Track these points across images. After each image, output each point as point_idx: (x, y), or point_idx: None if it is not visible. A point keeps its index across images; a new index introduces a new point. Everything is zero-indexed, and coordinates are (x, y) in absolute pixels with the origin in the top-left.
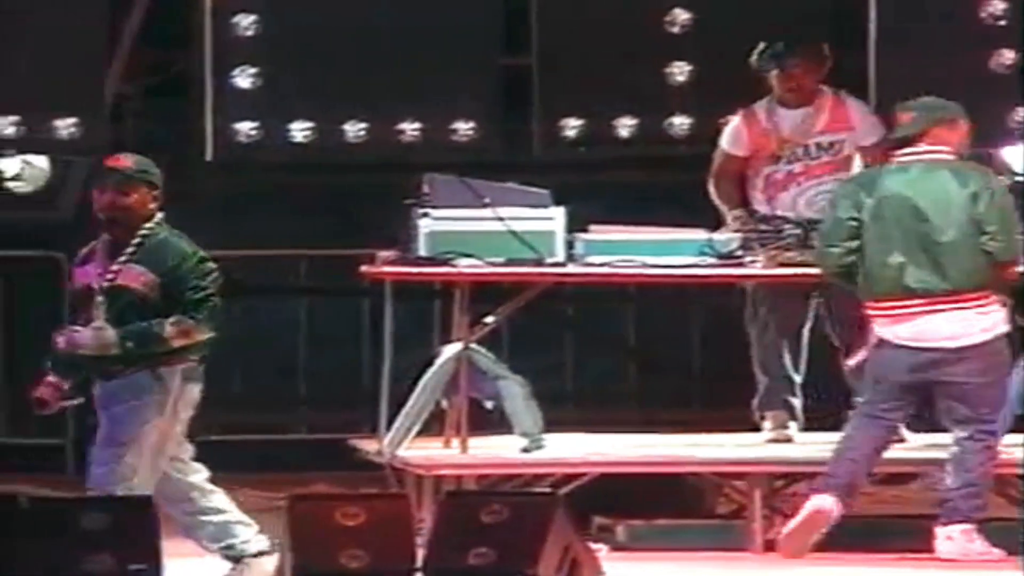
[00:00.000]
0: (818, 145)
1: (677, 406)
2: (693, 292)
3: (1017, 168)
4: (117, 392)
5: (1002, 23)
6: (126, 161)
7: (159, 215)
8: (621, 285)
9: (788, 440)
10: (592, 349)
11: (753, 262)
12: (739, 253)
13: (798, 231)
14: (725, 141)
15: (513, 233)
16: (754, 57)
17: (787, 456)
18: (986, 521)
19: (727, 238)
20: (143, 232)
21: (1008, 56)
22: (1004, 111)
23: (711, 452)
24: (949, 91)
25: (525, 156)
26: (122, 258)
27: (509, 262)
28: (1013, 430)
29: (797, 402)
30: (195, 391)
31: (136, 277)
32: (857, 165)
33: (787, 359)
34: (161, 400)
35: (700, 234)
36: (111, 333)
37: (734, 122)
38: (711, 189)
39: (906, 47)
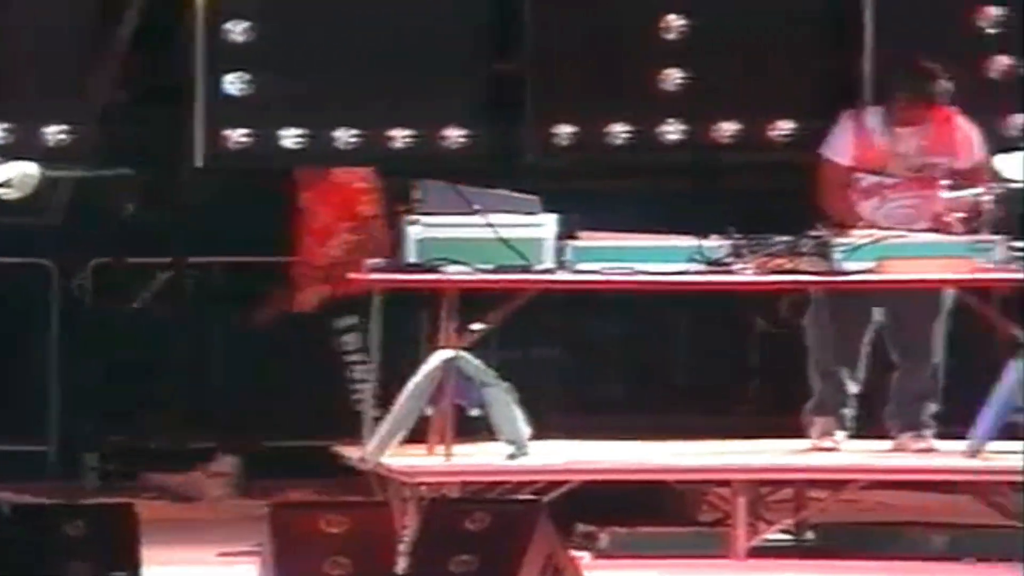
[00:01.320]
0: (916, 167)
1: (661, 413)
2: (683, 299)
3: (1010, 175)
4: None
5: (998, 30)
6: None
7: None
8: (611, 291)
9: (834, 448)
10: (579, 356)
11: (743, 269)
12: (728, 260)
13: (787, 239)
14: (829, 149)
15: (502, 240)
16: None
17: (773, 463)
18: (974, 528)
19: (717, 245)
20: None
21: (1003, 62)
22: (999, 118)
23: (694, 460)
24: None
25: (516, 163)
26: None
27: (498, 269)
28: (1001, 437)
29: (849, 411)
30: None
31: None
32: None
33: (845, 368)
34: None
35: (690, 241)
36: None
37: (840, 129)
38: (821, 202)
39: (902, 53)
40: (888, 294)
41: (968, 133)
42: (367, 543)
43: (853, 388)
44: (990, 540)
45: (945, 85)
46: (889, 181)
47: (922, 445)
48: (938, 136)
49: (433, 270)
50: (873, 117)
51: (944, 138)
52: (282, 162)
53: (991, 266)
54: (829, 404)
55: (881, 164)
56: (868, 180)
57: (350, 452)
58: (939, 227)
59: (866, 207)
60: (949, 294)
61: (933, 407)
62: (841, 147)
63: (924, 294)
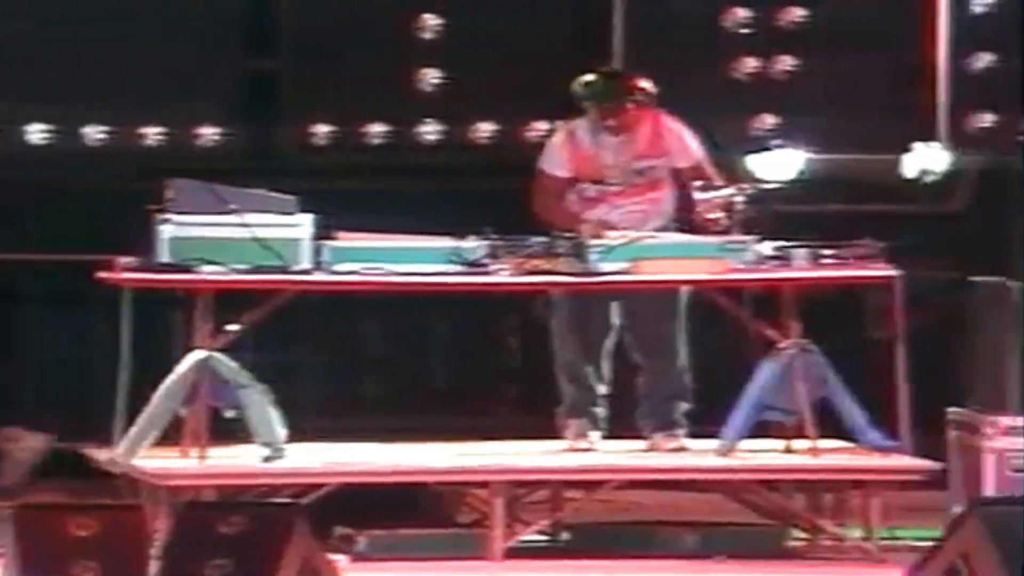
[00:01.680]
0: (636, 171)
1: (421, 415)
2: (440, 300)
3: (763, 176)
4: None
5: (746, 30)
6: None
7: None
8: (368, 293)
9: (590, 449)
10: (337, 358)
11: (500, 270)
12: (486, 262)
13: (544, 239)
14: (547, 162)
15: (258, 240)
16: (576, 86)
17: (530, 465)
18: (726, 526)
19: (475, 246)
20: None
21: (751, 64)
22: (748, 118)
23: (452, 461)
24: (695, 99)
25: (272, 161)
26: None
27: (254, 269)
28: (753, 435)
29: (601, 411)
30: None
31: None
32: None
33: (591, 368)
34: None
35: (447, 242)
36: None
37: (554, 140)
38: (539, 211)
39: (651, 57)
40: (624, 296)
41: (679, 133)
42: (117, 547)
43: (601, 389)
44: (741, 538)
45: (645, 89)
46: (613, 188)
47: (674, 445)
48: (649, 140)
49: (187, 270)
50: (581, 128)
51: (655, 141)
52: (29, 159)
53: (743, 266)
54: (580, 405)
55: (598, 173)
56: (591, 189)
57: (100, 454)
58: (695, 228)
59: (595, 214)
60: (686, 292)
61: (684, 406)
62: (557, 160)
63: (660, 294)
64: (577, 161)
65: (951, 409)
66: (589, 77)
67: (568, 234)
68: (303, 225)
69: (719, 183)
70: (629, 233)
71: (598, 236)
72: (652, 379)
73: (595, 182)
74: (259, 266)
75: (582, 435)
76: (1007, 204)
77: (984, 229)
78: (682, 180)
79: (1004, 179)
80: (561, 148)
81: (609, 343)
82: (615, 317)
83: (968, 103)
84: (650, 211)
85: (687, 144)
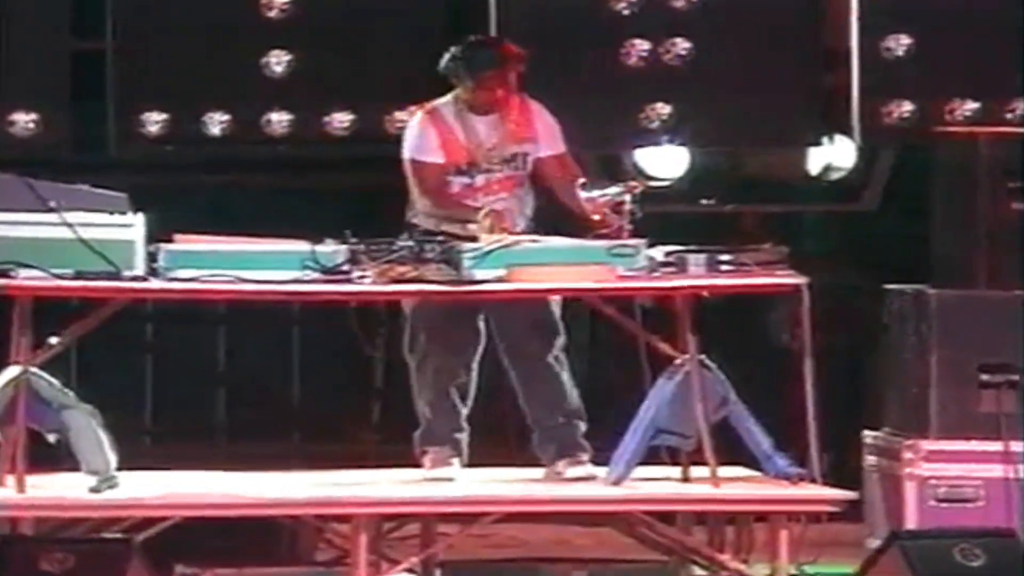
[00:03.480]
0: (503, 158)
1: (273, 440)
2: (296, 312)
3: (653, 172)
4: None
5: (634, 11)
6: None
7: None
8: (211, 303)
9: (449, 479)
10: (175, 376)
11: (362, 278)
12: (346, 268)
13: (411, 243)
14: (417, 150)
15: (83, 241)
16: (444, 62)
17: (397, 496)
18: (616, 563)
19: (333, 250)
20: None
21: (642, 47)
22: (636, 110)
23: (310, 491)
24: (578, 90)
25: (100, 154)
26: None
27: (79, 275)
28: (646, 462)
29: (463, 436)
30: None
31: None
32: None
33: (453, 389)
34: None
35: (303, 246)
36: None
37: (417, 125)
38: (431, 206)
39: (530, 45)
40: (496, 307)
41: (546, 117)
42: None
43: (464, 411)
44: (632, 574)
45: (519, 68)
46: (479, 180)
47: (580, 472)
48: (518, 123)
49: (2, 275)
50: (446, 108)
51: (523, 125)
52: None
53: (634, 273)
54: (440, 430)
55: (469, 158)
56: (457, 183)
57: None
58: (578, 230)
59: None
60: (556, 302)
61: (583, 427)
62: (428, 144)
63: (536, 306)
64: (447, 146)
65: (866, 432)
66: (469, 41)
67: (455, 228)
68: (135, 225)
69: (583, 178)
70: (506, 237)
71: (496, 230)
72: (537, 403)
73: (460, 171)
74: (85, 271)
75: (441, 464)
76: (923, 203)
77: (898, 231)
78: (541, 172)
79: (920, 175)
80: (427, 131)
81: (477, 357)
82: (481, 325)
83: (881, 90)
84: (515, 209)
85: (554, 131)
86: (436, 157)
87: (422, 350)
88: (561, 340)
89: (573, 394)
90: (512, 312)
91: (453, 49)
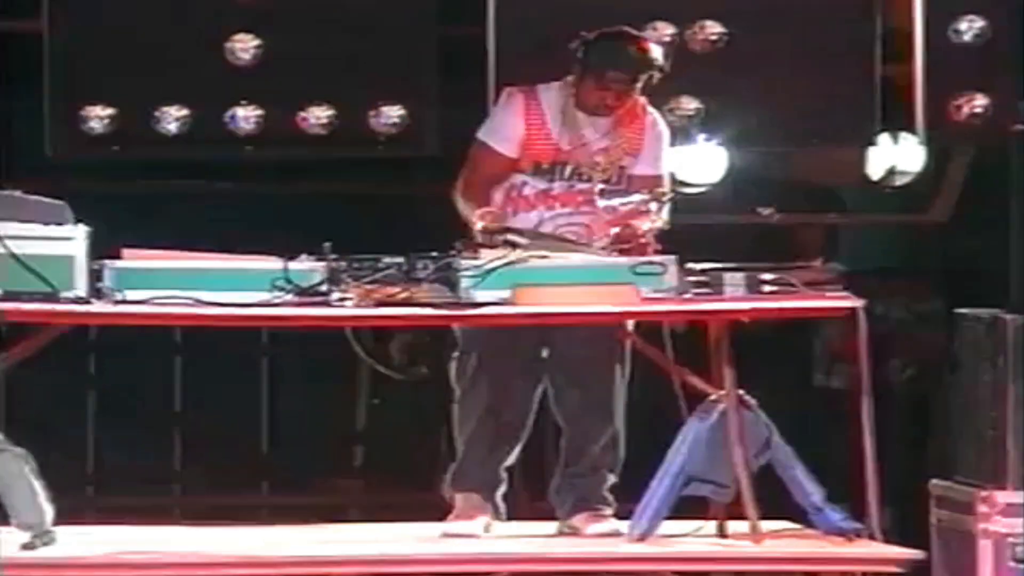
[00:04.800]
0: (603, 168)
1: (238, 490)
2: (265, 340)
3: (684, 177)
4: None
5: None
6: None
7: None
8: (165, 330)
9: (471, 535)
10: (123, 415)
11: (343, 300)
12: (324, 288)
13: (399, 261)
14: (492, 133)
15: (14, 257)
16: (576, 45)
17: (385, 554)
18: None
19: (309, 268)
20: None
21: (663, 31)
22: (662, 103)
23: (282, 550)
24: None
25: (35, 156)
26: None
27: (9, 296)
28: (676, 515)
29: (501, 486)
30: None
31: None
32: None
33: (499, 428)
34: None
35: (273, 263)
36: None
37: (503, 104)
38: (459, 197)
39: (528, 29)
40: (548, 334)
41: (657, 135)
42: None
43: (507, 459)
44: None
45: (652, 74)
46: (557, 187)
47: (602, 528)
48: (629, 133)
49: None
50: (549, 95)
51: (633, 136)
52: None
53: (661, 295)
54: (479, 476)
55: (554, 158)
56: (532, 186)
57: None
58: (614, 246)
59: (529, 219)
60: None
61: (612, 479)
62: (507, 132)
63: (597, 334)
64: (532, 137)
65: (934, 482)
66: (603, 31)
67: (487, 236)
68: (76, 239)
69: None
70: (509, 253)
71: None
72: (575, 444)
73: (539, 171)
74: (16, 292)
75: (464, 516)
76: (1001, 213)
77: (972, 246)
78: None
79: (998, 181)
80: (511, 115)
81: (535, 395)
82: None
83: (951, 81)
84: (595, 228)
85: (658, 150)
86: (506, 149)
87: (470, 376)
88: (623, 375)
89: (617, 442)
90: (570, 340)
91: (583, 34)
